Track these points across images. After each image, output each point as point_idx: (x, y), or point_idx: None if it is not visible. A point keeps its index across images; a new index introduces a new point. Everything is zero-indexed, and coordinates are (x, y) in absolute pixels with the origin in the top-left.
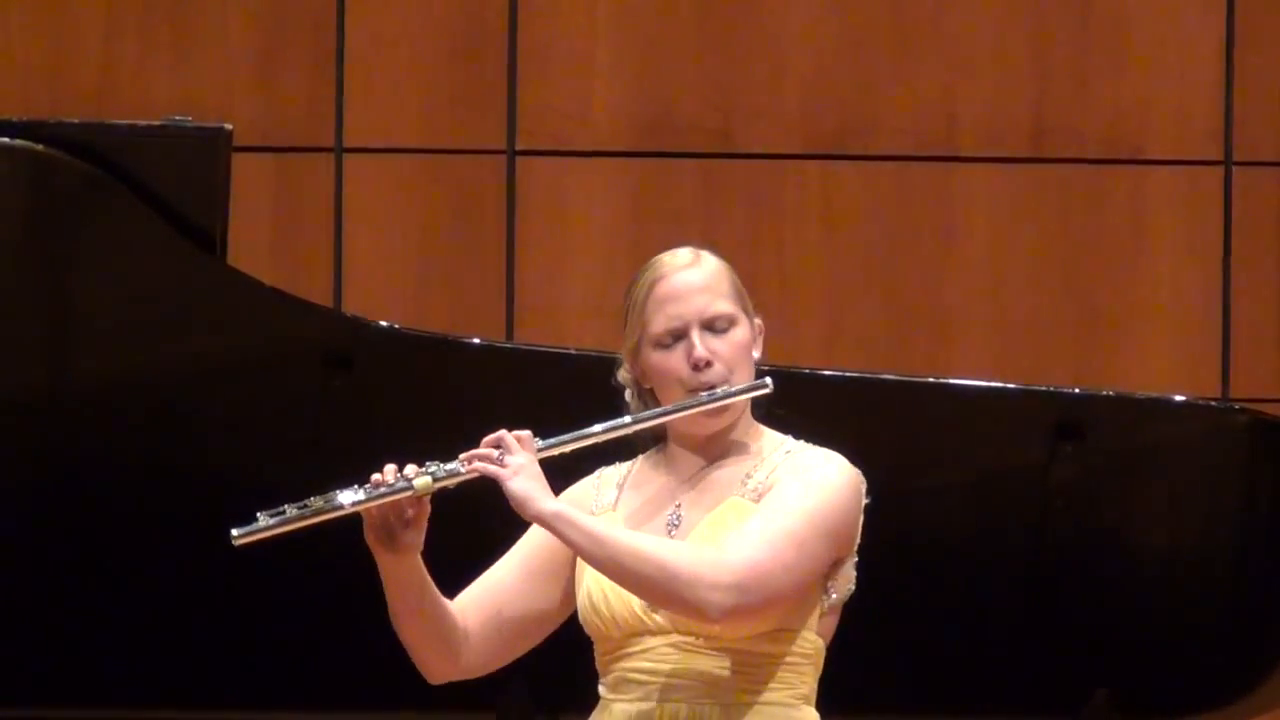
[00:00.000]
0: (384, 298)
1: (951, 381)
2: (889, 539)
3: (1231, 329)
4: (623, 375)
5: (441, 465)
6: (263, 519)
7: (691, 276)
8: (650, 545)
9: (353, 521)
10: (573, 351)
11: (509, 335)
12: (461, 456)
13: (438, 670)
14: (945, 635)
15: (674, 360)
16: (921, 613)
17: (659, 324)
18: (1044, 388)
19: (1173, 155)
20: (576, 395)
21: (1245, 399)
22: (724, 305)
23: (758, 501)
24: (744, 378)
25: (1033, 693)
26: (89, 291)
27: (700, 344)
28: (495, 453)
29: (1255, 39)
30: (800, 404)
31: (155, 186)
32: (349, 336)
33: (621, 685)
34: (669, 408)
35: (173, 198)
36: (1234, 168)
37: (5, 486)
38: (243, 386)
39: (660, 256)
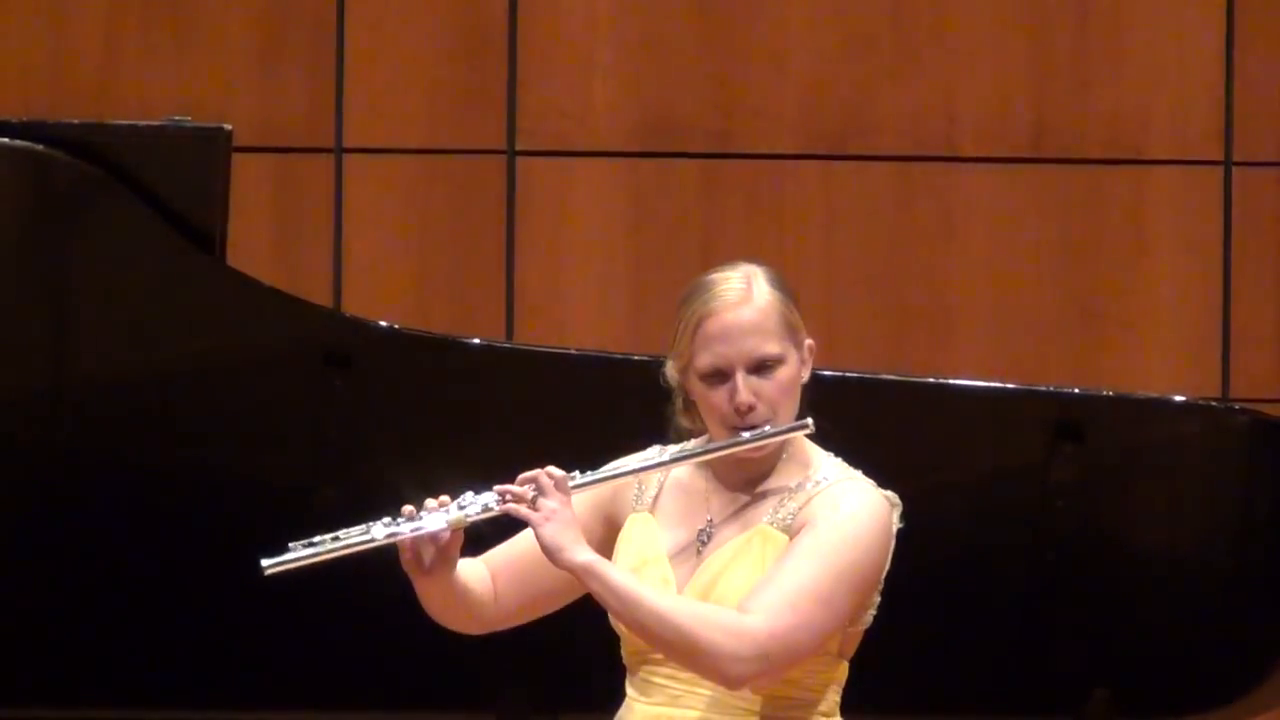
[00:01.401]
0: (384, 298)
1: (951, 381)
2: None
3: (1231, 329)
4: (671, 377)
5: (475, 497)
6: (295, 549)
7: (740, 316)
8: (675, 611)
9: (355, 520)
10: (573, 351)
11: (509, 335)
12: (495, 489)
13: (460, 628)
14: (945, 635)
15: (717, 398)
16: (921, 613)
17: (704, 360)
18: (1044, 388)
19: (1173, 155)
20: (576, 395)
21: (1245, 399)
22: (772, 346)
23: (786, 533)
24: (788, 415)
25: (1033, 693)
26: (89, 291)
27: (744, 389)
28: (530, 493)
29: (1255, 39)
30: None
31: (155, 186)
32: (349, 336)
33: (645, 688)
34: (710, 446)
35: (173, 198)
36: (1234, 168)
37: (5, 486)
38: (243, 386)
39: (713, 282)
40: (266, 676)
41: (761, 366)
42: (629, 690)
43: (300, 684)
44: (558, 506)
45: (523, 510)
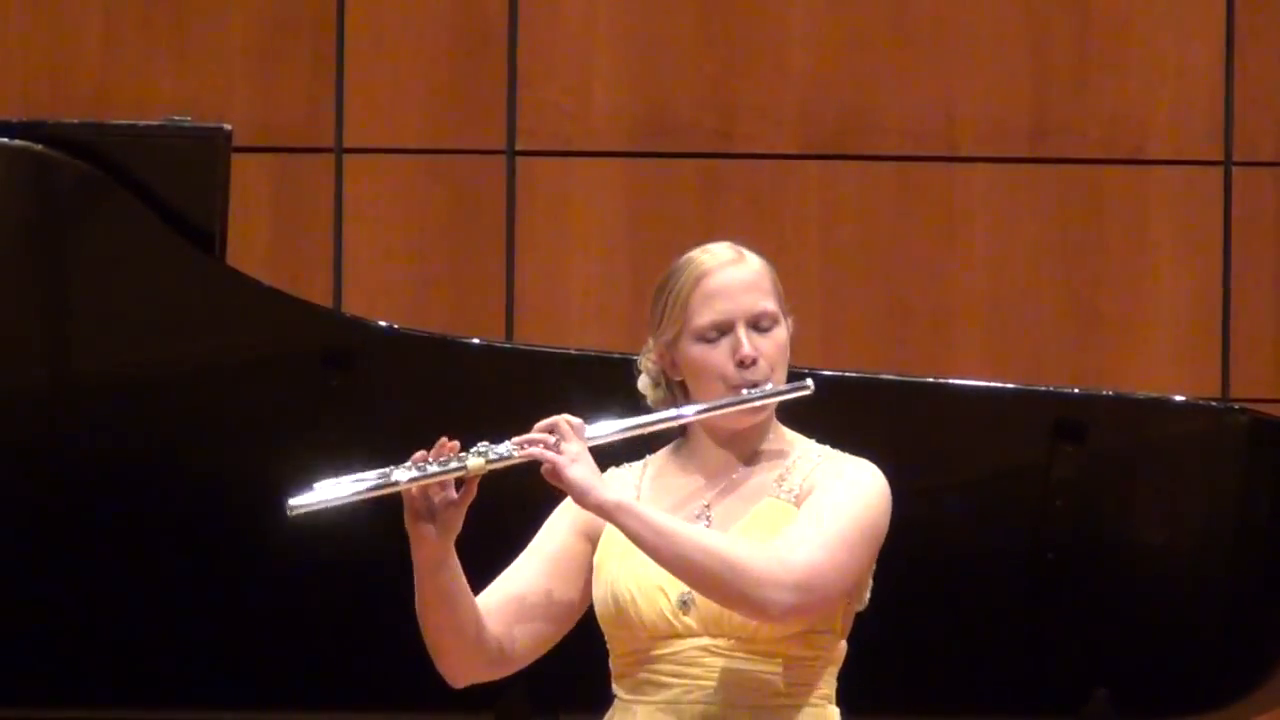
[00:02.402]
0: (384, 298)
1: (951, 381)
2: (889, 539)
3: (1231, 329)
4: (646, 365)
5: (493, 447)
6: (320, 489)
7: (738, 273)
8: (715, 541)
9: (356, 521)
10: (573, 351)
11: (509, 335)
12: (514, 440)
13: (462, 670)
14: (945, 635)
15: (717, 355)
16: (921, 612)
17: (705, 318)
18: (1044, 388)
19: (1173, 155)
20: (576, 395)
21: (1245, 399)
22: (769, 304)
23: (795, 504)
24: (782, 377)
25: (1033, 693)
26: (89, 291)
27: (747, 342)
28: (551, 438)
29: (1255, 39)
30: (800, 404)
31: (155, 186)
32: (349, 336)
33: (645, 688)
34: (722, 402)
35: (173, 198)
36: (1234, 168)
37: (5, 486)
38: (243, 386)
39: (698, 255)
40: (265, 676)
41: (760, 324)
42: (622, 693)
43: (300, 684)
44: (579, 450)
45: (548, 454)
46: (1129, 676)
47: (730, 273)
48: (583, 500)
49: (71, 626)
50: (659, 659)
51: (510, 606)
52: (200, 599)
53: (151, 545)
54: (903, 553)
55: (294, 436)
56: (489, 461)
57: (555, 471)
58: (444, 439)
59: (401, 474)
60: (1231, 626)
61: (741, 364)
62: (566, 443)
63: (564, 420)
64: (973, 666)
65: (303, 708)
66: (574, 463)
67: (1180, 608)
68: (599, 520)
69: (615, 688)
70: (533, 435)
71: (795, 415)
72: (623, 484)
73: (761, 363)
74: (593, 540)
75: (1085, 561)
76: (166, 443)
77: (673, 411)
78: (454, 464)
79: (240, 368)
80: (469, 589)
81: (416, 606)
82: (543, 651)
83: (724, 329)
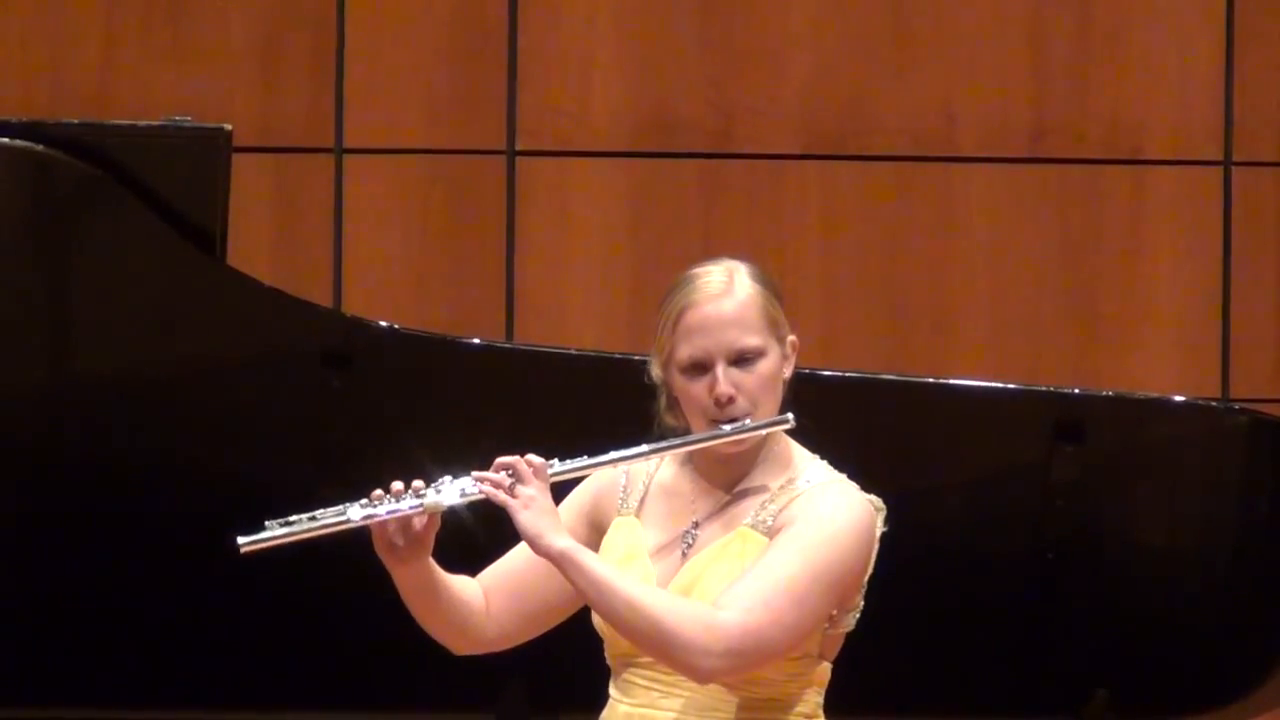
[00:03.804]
0: (384, 298)
1: (951, 381)
2: (888, 540)
3: (1231, 329)
4: (654, 375)
5: (452, 482)
6: (271, 528)
7: (721, 308)
8: (650, 602)
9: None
10: (573, 351)
11: (509, 335)
12: (473, 475)
13: (459, 648)
14: (945, 635)
15: (697, 390)
16: (921, 613)
17: (684, 353)
18: (1044, 388)
19: (1173, 155)
20: (576, 395)
21: (1245, 399)
22: (752, 339)
23: (766, 534)
24: (769, 409)
25: (1033, 693)
26: (89, 291)
27: (724, 380)
28: (507, 479)
29: (1255, 39)
30: (800, 404)
31: (155, 186)
32: (349, 336)
33: (628, 689)
34: (689, 439)
35: (173, 198)
36: (1234, 168)
37: (4, 485)
38: (243, 386)
39: (695, 275)
40: (265, 676)
41: (741, 359)
42: (612, 691)
43: (300, 684)
44: (535, 493)
45: (500, 496)
46: (1129, 676)
47: (713, 308)
48: (533, 546)
49: (71, 626)
50: (640, 664)
51: (512, 589)
52: (200, 599)
53: (151, 545)
54: (902, 553)
55: (294, 436)
56: (444, 500)
57: (508, 514)
58: (396, 484)
59: (356, 512)
60: (1231, 626)
61: (717, 402)
62: (522, 485)
63: (522, 461)
64: (972, 667)
65: (303, 708)
66: (525, 509)
67: (1180, 608)
68: (607, 511)
69: (610, 685)
70: (490, 475)
71: (798, 417)
72: (635, 477)
73: (740, 400)
74: (598, 528)
75: (1085, 561)
76: (166, 443)
77: (645, 448)
78: (411, 501)
79: (240, 368)
80: (459, 593)
81: (410, 612)
82: (547, 628)
83: (703, 366)
